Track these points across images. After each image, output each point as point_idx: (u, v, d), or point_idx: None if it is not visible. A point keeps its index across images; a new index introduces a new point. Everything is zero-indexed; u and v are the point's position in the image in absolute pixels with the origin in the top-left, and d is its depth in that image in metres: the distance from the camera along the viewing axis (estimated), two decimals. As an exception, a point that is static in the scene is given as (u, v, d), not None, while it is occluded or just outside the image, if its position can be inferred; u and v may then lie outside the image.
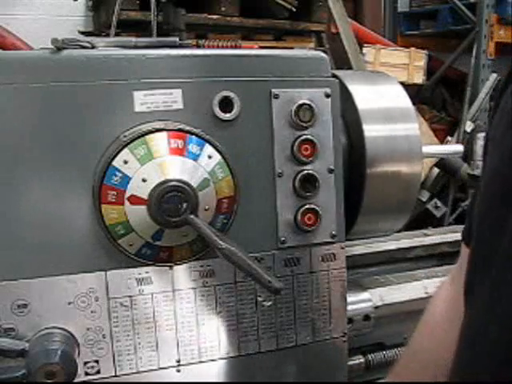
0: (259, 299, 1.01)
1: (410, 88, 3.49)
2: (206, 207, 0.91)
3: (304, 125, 0.99)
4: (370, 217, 1.14)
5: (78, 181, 0.90)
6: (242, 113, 0.96)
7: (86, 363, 0.93)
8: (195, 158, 0.91)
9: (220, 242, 0.88)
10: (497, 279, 0.66)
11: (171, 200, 0.87)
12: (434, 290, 1.05)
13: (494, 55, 3.93)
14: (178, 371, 0.98)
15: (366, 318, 1.17)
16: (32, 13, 3.66)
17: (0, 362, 0.85)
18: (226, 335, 1.00)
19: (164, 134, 0.90)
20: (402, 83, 1.21)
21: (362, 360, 1.22)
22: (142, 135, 0.89)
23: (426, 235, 1.62)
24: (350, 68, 3.21)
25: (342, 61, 3.26)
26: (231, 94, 0.95)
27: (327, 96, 1.01)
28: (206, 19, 3.19)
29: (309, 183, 1.00)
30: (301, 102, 0.99)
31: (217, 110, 0.95)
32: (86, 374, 0.93)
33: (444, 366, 0.90)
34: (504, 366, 0.64)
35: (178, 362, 0.98)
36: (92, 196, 0.90)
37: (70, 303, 0.91)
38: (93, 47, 0.94)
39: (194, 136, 0.92)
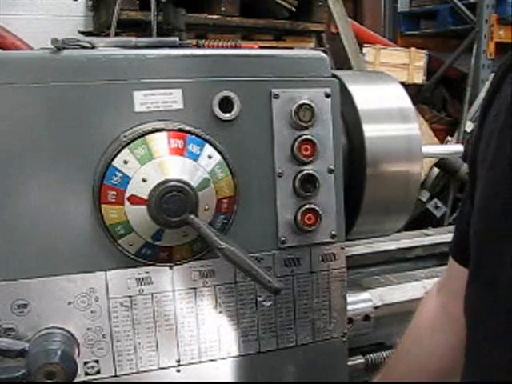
0: (259, 299, 1.01)
1: (410, 88, 3.50)
2: (206, 207, 0.91)
3: (304, 125, 0.99)
4: (370, 217, 1.14)
5: (78, 181, 0.90)
6: (242, 113, 0.96)
7: (86, 363, 0.93)
8: (195, 158, 0.91)
9: (220, 242, 0.88)
10: (504, 303, 0.66)
11: (171, 200, 0.87)
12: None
13: (494, 55, 3.93)
14: (178, 371, 0.98)
15: (366, 318, 1.17)
16: (32, 13, 3.66)
17: (0, 361, 0.85)
18: (226, 335, 1.00)
19: (164, 134, 0.90)
20: (402, 83, 1.21)
21: (362, 360, 1.22)
22: (142, 135, 0.89)
23: (426, 235, 1.62)
24: (350, 68, 3.21)
25: (342, 61, 3.26)
26: (231, 94, 0.95)
27: (327, 96, 1.01)
28: (206, 19, 3.19)
29: (309, 183, 1.00)
30: (301, 102, 0.99)
31: (217, 110, 0.95)
32: (86, 374, 0.93)
33: (430, 372, 0.91)
34: None
35: (178, 362, 0.98)
36: (92, 196, 0.90)
37: (69, 303, 0.91)
38: (93, 47, 0.94)
39: (194, 136, 0.91)
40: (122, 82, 0.91)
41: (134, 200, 0.88)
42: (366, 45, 3.82)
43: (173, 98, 0.93)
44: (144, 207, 0.88)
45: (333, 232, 1.05)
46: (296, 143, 0.99)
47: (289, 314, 1.04)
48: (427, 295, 1.01)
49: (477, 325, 0.74)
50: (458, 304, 0.79)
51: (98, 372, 0.94)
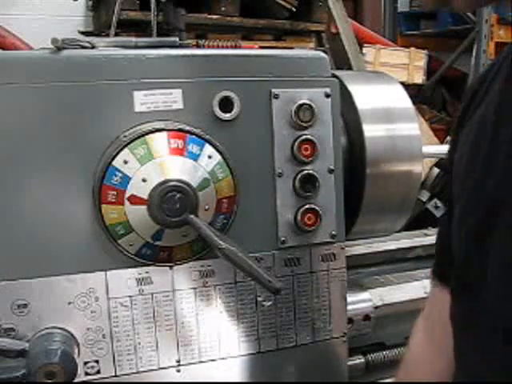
0: (259, 299, 1.01)
1: (410, 88, 3.50)
2: (206, 207, 0.91)
3: (304, 125, 0.99)
4: (370, 217, 1.14)
5: (78, 181, 0.90)
6: (242, 113, 0.96)
7: (86, 363, 0.93)
8: (195, 158, 0.91)
9: (220, 242, 0.88)
10: (487, 317, 0.66)
11: (171, 200, 0.87)
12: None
13: (494, 55, 3.93)
14: (178, 371, 0.98)
15: (366, 318, 1.17)
16: (32, 13, 3.66)
17: (0, 362, 0.85)
18: (226, 335, 1.00)
19: (164, 134, 0.90)
20: (402, 83, 1.21)
21: (362, 360, 1.22)
22: (142, 135, 0.89)
23: (426, 235, 1.62)
24: (350, 68, 3.21)
25: (342, 61, 3.26)
26: (231, 94, 0.95)
27: (327, 96, 1.01)
28: (206, 19, 3.19)
29: (309, 183, 1.00)
30: (301, 102, 0.99)
31: (217, 110, 0.95)
32: (86, 373, 0.93)
33: None
34: None
35: (178, 362, 0.98)
36: (92, 196, 0.90)
37: (69, 303, 0.91)
38: (93, 47, 0.94)
39: (194, 136, 0.91)
40: (122, 81, 0.91)
41: (134, 200, 0.88)
42: (366, 45, 3.83)
43: (173, 98, 0.93)
44: (144, 207, 0.88)
45: (333, 232, 1.04)
46: (296, 143, 0.99)
47: (289, 314, 1.04)
48: (416, 325, 0.98)
49: (463, 336, 0.74)
50: (444, 329, 0.79)
51: (98, 372, 0.94)
